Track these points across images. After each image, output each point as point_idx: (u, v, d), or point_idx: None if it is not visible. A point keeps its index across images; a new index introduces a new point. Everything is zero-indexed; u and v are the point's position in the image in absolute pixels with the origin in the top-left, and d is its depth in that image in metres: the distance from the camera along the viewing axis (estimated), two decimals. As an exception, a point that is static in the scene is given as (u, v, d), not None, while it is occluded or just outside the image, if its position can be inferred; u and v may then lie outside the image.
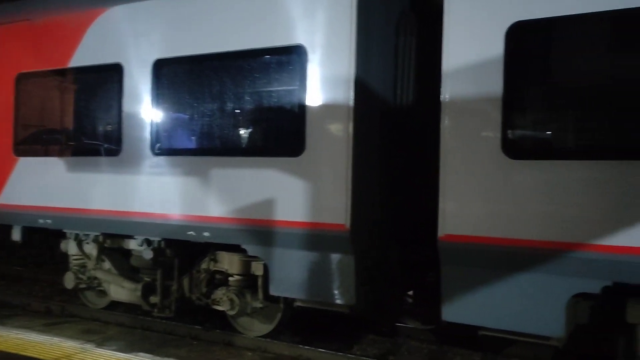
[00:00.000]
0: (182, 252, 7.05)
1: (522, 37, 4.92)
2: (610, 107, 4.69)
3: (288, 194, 5.93)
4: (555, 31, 4.89)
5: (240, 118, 6.45)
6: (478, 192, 5.11)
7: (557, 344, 5.14)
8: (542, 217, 4.81)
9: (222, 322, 7.22)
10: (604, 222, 4.56)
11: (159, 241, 6.91)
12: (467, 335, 6.42)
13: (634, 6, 4.46)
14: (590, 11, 4.64)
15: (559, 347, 5.20)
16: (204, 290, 7.04)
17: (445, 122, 5.22)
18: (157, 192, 6.75)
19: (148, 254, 6.91)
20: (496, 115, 4.96)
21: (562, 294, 4.81)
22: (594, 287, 4.70)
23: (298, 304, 6.41)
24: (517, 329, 5.09)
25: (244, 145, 6.44)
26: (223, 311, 6.79)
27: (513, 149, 4.92)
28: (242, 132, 6.47)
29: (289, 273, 6.06)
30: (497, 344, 6.47)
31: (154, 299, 7.29)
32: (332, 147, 5.66)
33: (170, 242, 6.91)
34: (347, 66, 5.59)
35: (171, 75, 6.78)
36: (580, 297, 4.91)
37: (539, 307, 4.90)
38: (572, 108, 4.91)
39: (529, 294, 4.94)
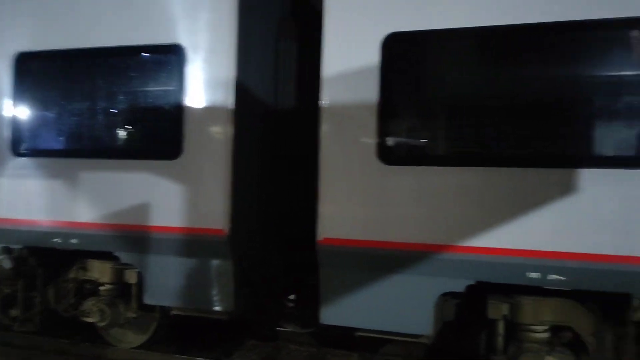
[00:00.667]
0: (47, 261, 6.55)
1: (396, 48, 5.11)
2: (474, 117, 4.99)
3: (164, 199, 5.71)
4: (426, 43, 5.13)
5: (114, 118, 6.10)
6: (355, 197, 5.23)
7: (426, 341, 5.40)
8: (413, 220, 5.02)
9: (93, 334, 6.81)
10: (468, 225, 4.85)
11: (21, 249, 6.38)
12: (345, 336, 6.58)
13: (495, 24, 4.81)
14: (458, 26, 4.93)
15: (428, 344, 5.47)
16: (72, 301, 6.59)
17: (325, 127, 5.31)
18: (19, 196, 6.23)
19: (7, 264, 6.35)
20: (372, 122, 5.11)
21: (431, 293, 5.06)
22: (459, 286, 4.99)
23: (175, 312, 6.22)
24: (391, 328, 5.28)
25: (117, 148, 6.10)
26: (93, 323, 6.41)
27: (387, 155, 5.10)
28: (116, 133, 6.13)
29: (165, 280, 5.85)
30: (373, 344, 6.69)
31: (15, 312, 6.70)
32: (211, 150, 5.54)
33: (33, 250, 6.41)
34: (227, 68, 5.50)
35: (37, 70, 6.29)
36: (447, 296, 5.19)
37: (410, 307, 5.12)
38: (441, 117, 5.18)
39: (401, 295, 5.14)
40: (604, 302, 4.90)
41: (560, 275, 4.61)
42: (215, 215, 5.50)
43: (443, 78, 5.21)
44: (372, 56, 5.13)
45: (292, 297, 7.00)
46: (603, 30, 4.56)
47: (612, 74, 4.62)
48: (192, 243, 5.67)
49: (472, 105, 4.99)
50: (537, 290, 4.91)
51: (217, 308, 5.74)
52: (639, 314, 4.68)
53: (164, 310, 6.38)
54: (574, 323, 5.02)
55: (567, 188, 4.55)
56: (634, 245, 4.47)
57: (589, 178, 4.53)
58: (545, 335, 5.07)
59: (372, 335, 5.49)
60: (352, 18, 5.24)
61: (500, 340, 5.13)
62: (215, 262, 5.67)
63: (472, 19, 4.88)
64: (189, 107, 5.62)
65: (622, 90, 4.58)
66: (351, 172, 5.23)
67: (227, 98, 5.50)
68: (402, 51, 5.16)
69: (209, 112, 5.56)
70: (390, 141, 5.14)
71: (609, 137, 4.62)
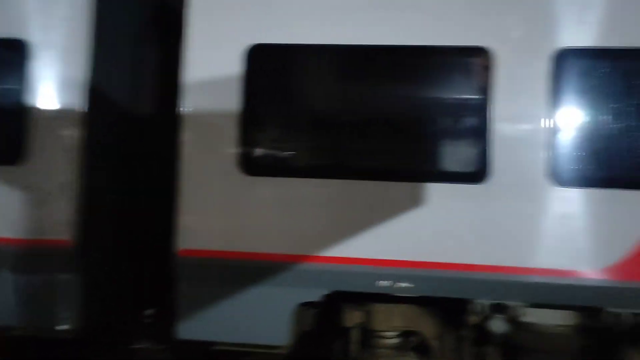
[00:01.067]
0: None
1: (259, 59, 5.14)
2: (331, 131, 5.16)
3: (4, 208, 5.26)
4: (288, 57, 5.22)
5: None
6: (215, 207, 5.17)
7: (284, 352, 5.44)
8: (271, 231, 5.06)
9: None
10: (323, 236, 4.97)
11: None
12: (203, 350, 6.42)
13: (353, 43, 5.03)
14: (318, 43, 5.08)
15: (285, 354, 5.51)
16: None
17: (185, 136, 5.19)
18: None
19: None
20: (232, 133, 5.08)
21: (289, 304, 5.11)
22: (316, 295, 5.08)
23: (15, 333, 5.68)
24: (249, 340, 5.28)
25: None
26: None
27: (247, 165, 5.09)
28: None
29: (3, 298, 5.35)
30: (231, 356, 6.59)
31: None
32: (58, 155, 5.20)
33: None
34: (78, 69, 5.22)
35: None
36: (305, 305, 5.26)
37: (268, 318, 5.13)
38: (300, 130, 5.28)
39: (259, 306, 5.14)
40: (447, 307, 5.25)
41: (407, 283, 4.88)
42: (60, 224, 5.17)
43: (303, 92, 5.33)
44: (234, 66, 5.11)
45: (147, 311, 6.70)
46: (445, 55, 4.94)
47: (454, 96, 5.02)
48: (35, 256, 5.26)
49: (329, 120, 5.16)
50: (389, 298, 5.15)
51: (61, 326, 5.35)
52: (477, 318, 5.09)
53: (2, 332, 5.81)
54: (420, 328, 5.32)
55: (413, 201, 4.85)
56: (472, 255, 4.84)
57: (433, 192, 4.84)
58: (396, 340, 5.33)
59: (230, 348, 5.41)
60: (216, 27, 5.20)
61: (355, 348, 5.31)
62: (60, 276, 5.29)
63: (333, 37, 5.06)
64: (34, 109, 5.23)
65: (463, 111, 4.96)
66: (211, 182, 5.16)
67: (77, 100, 5.21)
68: (264, 63, 5.19)
69: (57, 114, 5.22)
70: (250, 152, 5.14)
71: (452, 154, 4.99)
